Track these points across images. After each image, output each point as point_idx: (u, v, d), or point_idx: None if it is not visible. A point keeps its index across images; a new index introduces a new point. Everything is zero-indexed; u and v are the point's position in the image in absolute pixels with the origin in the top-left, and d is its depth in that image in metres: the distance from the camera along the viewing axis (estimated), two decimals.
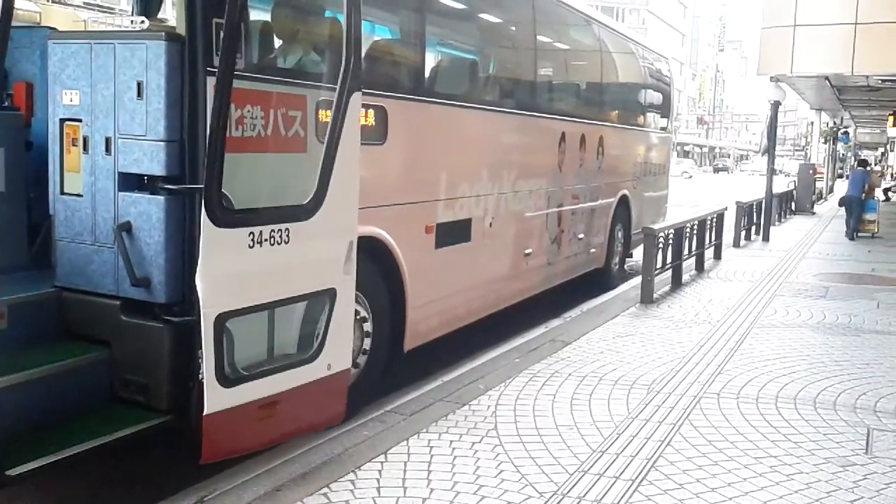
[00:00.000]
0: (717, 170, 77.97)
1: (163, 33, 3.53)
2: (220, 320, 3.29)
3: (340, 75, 3.84)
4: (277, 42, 4.05)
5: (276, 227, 3.52)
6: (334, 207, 3.81)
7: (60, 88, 3.79)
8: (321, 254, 3.84)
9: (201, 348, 3.27)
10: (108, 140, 3.67)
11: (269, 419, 3.65)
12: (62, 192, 3.86)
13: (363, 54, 5.07)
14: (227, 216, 3.32)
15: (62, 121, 3.81)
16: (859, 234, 16.09)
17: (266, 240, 3.48)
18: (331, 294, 3.89)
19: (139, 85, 3.53)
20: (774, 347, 6.46)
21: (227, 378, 3.38)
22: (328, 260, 3.89)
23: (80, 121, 3.75)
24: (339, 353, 4.02)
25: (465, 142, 6.05)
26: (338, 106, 3.82)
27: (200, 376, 3.33)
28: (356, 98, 3.93)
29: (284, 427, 3.82)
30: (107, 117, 3.66)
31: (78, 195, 3.81)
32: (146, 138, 3.52)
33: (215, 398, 3.32)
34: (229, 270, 3.35)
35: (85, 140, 3.74)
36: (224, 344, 3.34)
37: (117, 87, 3.60)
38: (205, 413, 3.29)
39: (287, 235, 3.57)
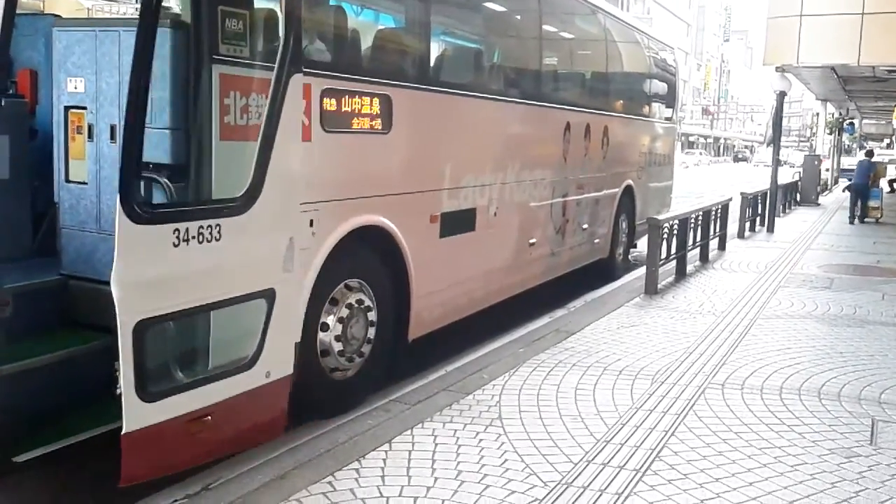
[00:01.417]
0: (736, 159, 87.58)
1: (168, 20, 3.52)
2: (141, 328, 3.01)
3: (278, 55, 3.56)
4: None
5: (205, 223, 3.23)
6: (271, 201, 3.54)
7: (65, 76, 3.78)
8: (257, 251, 3.56)
9: (118, 360, 2.98)
10: (112, 128, 3.66)
11: (199, 434, 3.36)
12: (67, 180, 3.86)
13: (370, 44, 5.08)
14: (147, 212, 3.05)
15: (67, 108, 3.80)
16: (865, 220, 17.44)
17: (194, 237, 3.19)
18: (269, 295, 3.61)
19: None
20: (779, 338, 6.45)
21: (150, 392, 3.11)
22: (265, 258, 3.61)
23: (84, 108, 3.74)
24: (279, 358, 3.74)
25: (469, 131, 6.03)
26: (276, 89, 3.54)
27: (118, 390, 3.04)
28: (297, 80, 3.65)
29: (217, 443, 3.55)
30: (112, 105, 3.65)
31: (83, 183, 3.81)
32: (151, 126, 3.51)
33: (136, 415, 3.04)
34: (150, 272, 3.05)
35: (90, 128, 3.74)
36: (145, 354, 3.05)
37: (122, 74, 3.59)
38: (123, 432, 3.01)
39: (218, 232, 3.29)
